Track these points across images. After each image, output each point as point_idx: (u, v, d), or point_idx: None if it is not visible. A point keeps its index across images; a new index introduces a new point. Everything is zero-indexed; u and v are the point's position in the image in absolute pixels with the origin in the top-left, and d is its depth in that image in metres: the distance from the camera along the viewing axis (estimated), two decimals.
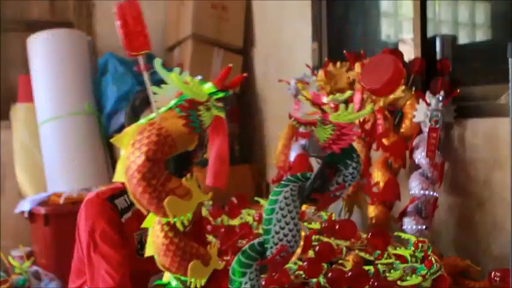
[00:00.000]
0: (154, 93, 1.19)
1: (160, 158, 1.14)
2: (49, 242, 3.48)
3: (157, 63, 1.17)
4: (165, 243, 1.20)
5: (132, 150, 1.13)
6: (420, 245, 1.93)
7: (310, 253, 1.95)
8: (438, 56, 2.81)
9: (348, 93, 1.24)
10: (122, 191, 1.73)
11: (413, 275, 1.75)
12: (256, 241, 1.31)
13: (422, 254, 1.89)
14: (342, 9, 3.42)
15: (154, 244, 1.23)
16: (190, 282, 1.23)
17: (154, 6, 4.19)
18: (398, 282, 1.74)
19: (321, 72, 2.87)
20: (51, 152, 3.67)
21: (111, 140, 1.18)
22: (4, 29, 3.92)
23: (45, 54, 3.71)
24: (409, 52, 2.84)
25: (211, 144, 1.20)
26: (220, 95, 1.20)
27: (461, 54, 2.90)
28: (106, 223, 1.67)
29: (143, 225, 1.25)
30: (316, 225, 2.23)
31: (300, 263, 1.88)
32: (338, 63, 2.85)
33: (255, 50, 4.00)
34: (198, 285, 1.24)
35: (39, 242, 3.56)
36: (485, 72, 2.69)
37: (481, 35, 3.10)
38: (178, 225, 1.17)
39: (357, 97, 2.69)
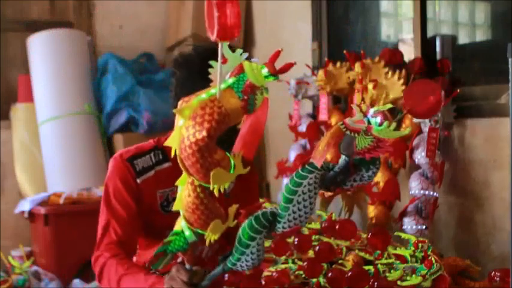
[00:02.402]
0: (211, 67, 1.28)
1: (217, 134, 1.23)
2: (49, 242, 3.48)
3: (225, 46, 1.25)
4: (195, 202, 1.31)
5: (192, 123, 1.22)
6: (420, 245, 1.93)
7: (310, 253, 1.95)
8: (438, 56, 2.81)
9: (388, 105, 1.33)
10: (149, 149, 1.84)
11: (413, 275, 1.75)
12: (269, 210, 1.38)
13: (422, 254, 1.88)
14: (342, 9, 3.42)
15: (184, 201, 1.33)
16: (207, 236, 1.37)
17: (154, 6, 4.20)
18: (398, 282, 1.74)
19: (321, 72, 2.87)
20: (51, 152, 3.67)
21: (175, 110, 1.25)
22: (4, 29, 3.92)
23: (45, 54, 3.71)
24: (409, 52, 2.84)
25: (247, 116, 1.32)
26: (271, 78, 1.28)
27: (461, 54, 2.91)
28: (120, 182, 1.79)
29: (177, 183, 1.36)
30: (316, 225, 2.23)
31: (300, 263, 1.88)
32: (338, 63, 2.85)
33: (255, 50, 4.00)
34: (212, 240, 1.37)
35: (39, 242, 3.56)
36: (485, 72, 2.69)
37: (481, 35, 3.10)
38: (216, 192, 1.27)
39: (357, 97, 2.69)
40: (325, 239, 2.07)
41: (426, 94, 1.37)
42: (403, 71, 2.60)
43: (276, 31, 3.76)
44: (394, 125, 1.32)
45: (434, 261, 1.78)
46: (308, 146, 3.03)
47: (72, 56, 3.77)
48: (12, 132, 3.80)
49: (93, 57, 3.96)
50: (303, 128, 3.05)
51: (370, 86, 2.59)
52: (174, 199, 1.81)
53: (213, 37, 1.23)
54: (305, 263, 1.83)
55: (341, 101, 3.06)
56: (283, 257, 1.90)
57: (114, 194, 1.80)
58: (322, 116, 2.90)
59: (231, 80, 1.26)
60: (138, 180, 1.80)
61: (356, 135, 1.32)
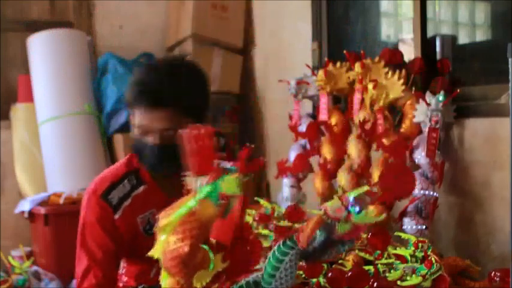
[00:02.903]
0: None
1: (199, 244, 1.29)
2: (49, 242, 3.48)
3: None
4: None
5: (174, 239, 1.28)
6: (420, 245, 1.93)
7: None
8: (438, 56, 2.81)
9: (365, 188, 1.41)
10: (123, 176, 1.80)
11: (413, 275, 1.75)
12: (251, 280, 1.42)
13: (422, 254, 1.88)
14: (342, 9, 3.42)
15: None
16: None
17: (154, 6, 4.20)
18: (398, 282, 1.74)
19: (321, 72, 2.87)
20: (51, 152, 3.67)
21: (157, 230, 1.30)
22: (4, 29, 3.92)
23: (45, 54, 3.71)
24: (409, 52, 2.84)
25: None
26: (245, 178, 1.30)
27: (461, 54, 2.91)
28: (97, 223, 1.76)
29: (160, 279, 1.36)
30: None
31: (300, 263, 1.88)
32: (338, 63, 2.85)
33: (255, 50, 4.00)
34: None
35: (39, 242, 3.56)
36: (485, 72, 2.69)
37: (481, 35, 3.10)
38: (199, 286, 1.32)
39: (357, 97, 2.69)
40: None
41: (401, 180, 1.49)
42: (403, 71, 2.60)
43: (276, 31, 3.76)
44: (372, 211, 1.40)
45: (434, 261, 1.78)
46: (308, 146, 3.03)
47: (72, 56, 3.77)
48: (12, 132, 3.80)
49: (93, 57, 3.96)
50: (303, 128, 3.04)
51: (370, 86, 2.59)
52: (156, 221, 1.82)
53: (193, 172, 1.28)
54: (305, 263, 1.83)
55: (341, 101, 3.06)
56: None
57: (91, 236, 1.76)
58: (322, 116, 2.90)
59: (206, 190, 1.29)
60: (116, 216, 1.76)
61: (337, 222, 1.38)
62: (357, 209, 1.37)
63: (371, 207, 1.42)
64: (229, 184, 1.28)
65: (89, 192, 1.80)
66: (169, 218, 1.29)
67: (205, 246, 1.31)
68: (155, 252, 1.31)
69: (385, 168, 1.53)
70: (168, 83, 1.70)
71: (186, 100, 1.70)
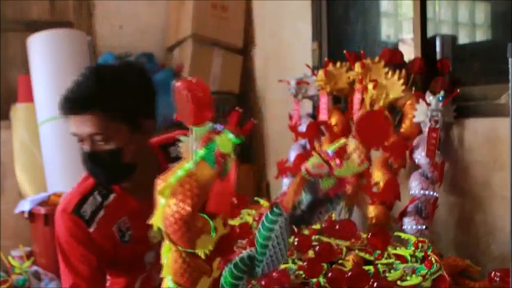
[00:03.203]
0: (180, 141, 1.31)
1: (199, 205, 1.29)
2: (49, 242, 3.47)
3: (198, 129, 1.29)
4: (183, 267, 1.35)
5: (175, 201, 1.28)
6: (420, 245, 1.93)
7: (310, 253, 1.95)
8: (438, 56, 2.81)
9: (342, 142, 1.39)
10: (92, 188, 1.79)
11: (413, 275, 1.75)
12: (245, 254, 1.41)
13: (422, 254, 1.89)
14: (342, 9, 3.42)
15: (172, 268, 1.37)
16: None
17: (154, 6, 4.20)
18: (398, 282, 1.74)
19: (321, 72, 2.87)
20: (51, 152, 3.67)
21: (156, 194, 1.29)
22: (4, 29, 3.92)
23: (45, 54, 3.71)
24: (409, 52, 2.84)
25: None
26: (237, 141, 1.32)
27: (461, 54, 2.91)
28: (73, 239, 1.74)
29: (161, 252, 1.36)
30: (316, 225, 2.23)
31: (300, 263, 1.88)
32: (338, 63, 2.85)
33: (255, 50, 4.00)
34: None
35: (39, 242, 3.56)
36: (485, 72, 2.69)
37: (481, 35, 3.10)
38: (202, 255, 1.32)
39: (357, 97, 2.69)
40: (325, 239, 2.07)
41: (377, 126, 1.47)
42: (403, 71, 2.60)
43: (276, 31, 3.76)
44: (352, 162, 1.38)
45: (434, 261, 1.78)
46: (308, 146, 3.03)
47: (72, 56, 3.77)
48: (12, 132, 3.80)
49: (93, 57, 3.96)
50: (303, 128, 3.05)
51: (370, 86, 2.59)
52: (127, 228, 1.80)
53: (188, 123, 1.28)
54: (305, 263, 1.84)
55: (341, 101, 3.06)
56: None
57: (71, 253, 1.75)
58: (322, 116, 2.90)
59: (202, 152, 1.29)
60: (91, 229, 1.75)
61: (320, 179, 1.37)
62: (338, 161, 1.36)
63: (353, 156, 1.41)
64: (224, 142, 1.30)
65: (59, 211, 1.79)
66: (167, 181, 1.29)
67: (204, 215, 1.31)
68: (155, 220, 1.31)
69: (360, 117, 1.51)
70: (90, 88, 1.76)
71: (111, 104, 1.69)
